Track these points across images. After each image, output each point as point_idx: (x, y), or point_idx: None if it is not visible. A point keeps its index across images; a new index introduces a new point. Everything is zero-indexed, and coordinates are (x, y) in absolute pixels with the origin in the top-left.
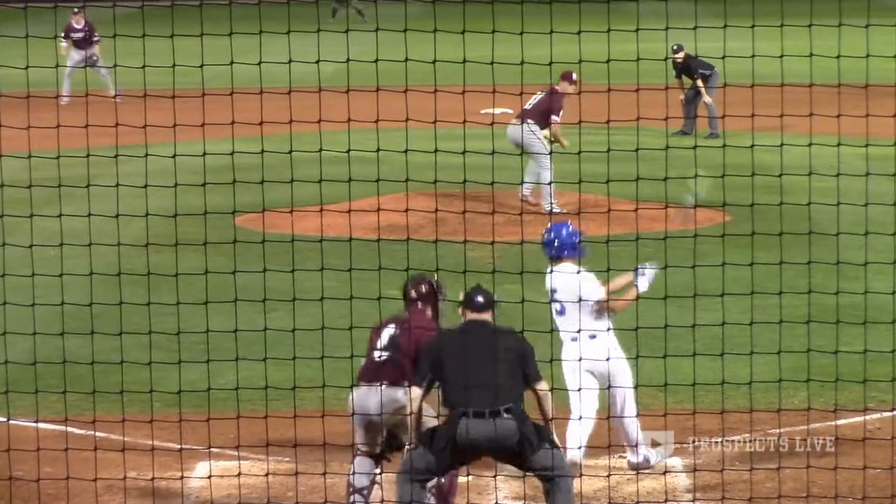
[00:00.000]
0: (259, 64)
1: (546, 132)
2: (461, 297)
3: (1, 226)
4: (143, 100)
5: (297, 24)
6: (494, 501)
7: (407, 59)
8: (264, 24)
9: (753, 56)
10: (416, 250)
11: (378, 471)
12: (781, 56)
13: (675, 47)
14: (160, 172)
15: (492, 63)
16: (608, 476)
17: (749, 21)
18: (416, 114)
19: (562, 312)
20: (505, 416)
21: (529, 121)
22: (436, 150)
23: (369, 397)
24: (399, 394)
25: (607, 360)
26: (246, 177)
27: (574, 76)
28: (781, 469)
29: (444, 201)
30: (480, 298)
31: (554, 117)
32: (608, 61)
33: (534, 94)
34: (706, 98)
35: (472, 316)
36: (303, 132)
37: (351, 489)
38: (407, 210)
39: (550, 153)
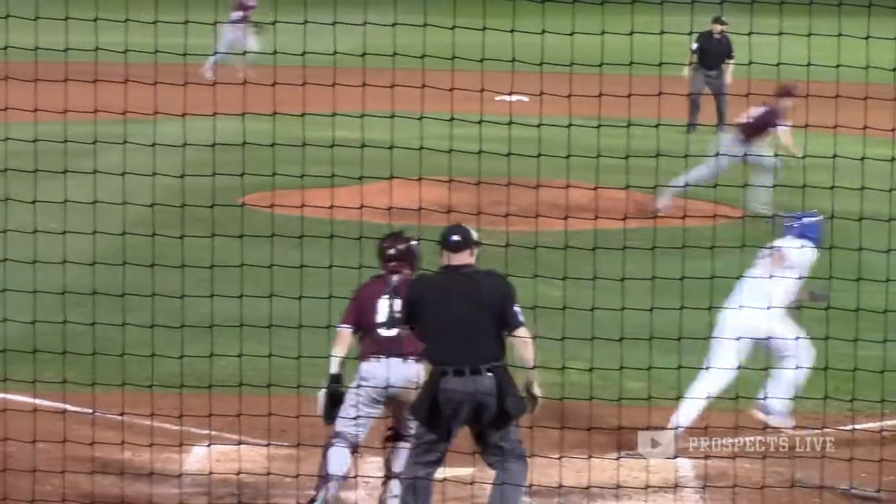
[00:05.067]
0: (273, 54)
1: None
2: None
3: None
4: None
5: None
6: None
7: (425, 49)
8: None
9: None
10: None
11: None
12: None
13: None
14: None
15: (511, 58)
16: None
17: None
18: (430, 96)
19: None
20: (486, 374)
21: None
22: (451, 140)
23: (391, 370)
24: (418, 368)
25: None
26: (256, 155)
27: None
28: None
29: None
30: (456, 237)
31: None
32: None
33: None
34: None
35: (450, 257)
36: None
37: (328, 480)
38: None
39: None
